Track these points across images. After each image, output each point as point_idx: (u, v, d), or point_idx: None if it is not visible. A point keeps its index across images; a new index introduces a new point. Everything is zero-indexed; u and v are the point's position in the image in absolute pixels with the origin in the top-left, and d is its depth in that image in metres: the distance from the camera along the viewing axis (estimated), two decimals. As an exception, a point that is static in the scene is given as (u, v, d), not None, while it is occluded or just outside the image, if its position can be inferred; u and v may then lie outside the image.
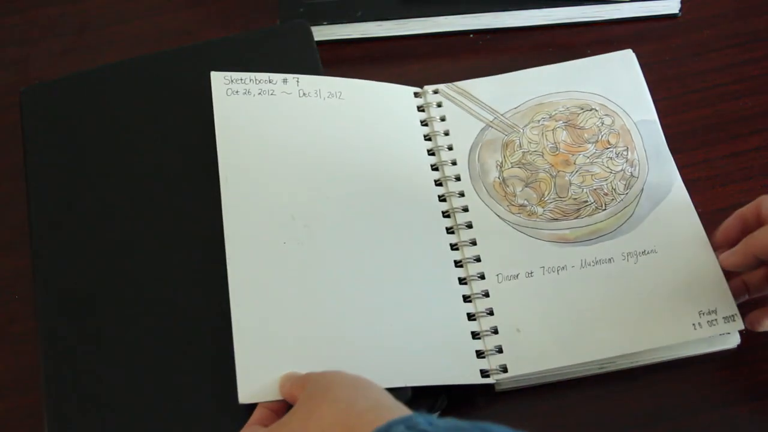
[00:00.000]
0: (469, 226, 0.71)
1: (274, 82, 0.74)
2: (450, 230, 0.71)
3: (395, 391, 0.62)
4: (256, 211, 0.68)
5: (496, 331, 0.67)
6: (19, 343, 0.71)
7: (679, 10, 0.84)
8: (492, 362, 0.66)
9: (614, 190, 0.72)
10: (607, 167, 0.73)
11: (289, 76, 0.74)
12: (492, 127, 0.76)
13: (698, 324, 0.65)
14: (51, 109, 0.76)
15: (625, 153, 0.74)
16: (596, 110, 0.76)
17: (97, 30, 0.88)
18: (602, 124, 0.75)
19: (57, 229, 0.71)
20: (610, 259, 0.69)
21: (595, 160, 0.74)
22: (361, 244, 0.68)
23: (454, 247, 0.71)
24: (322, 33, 0.83)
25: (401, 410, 0.54)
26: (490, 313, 0.67)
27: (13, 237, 0.76)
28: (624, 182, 0.72)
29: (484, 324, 0.67)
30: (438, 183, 0.74)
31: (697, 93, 0.79)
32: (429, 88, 0.78)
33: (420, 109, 0.78)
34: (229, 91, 0.72)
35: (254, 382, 0.61)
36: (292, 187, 0.70)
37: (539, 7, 0.83)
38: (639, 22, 0.82)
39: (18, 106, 0.77)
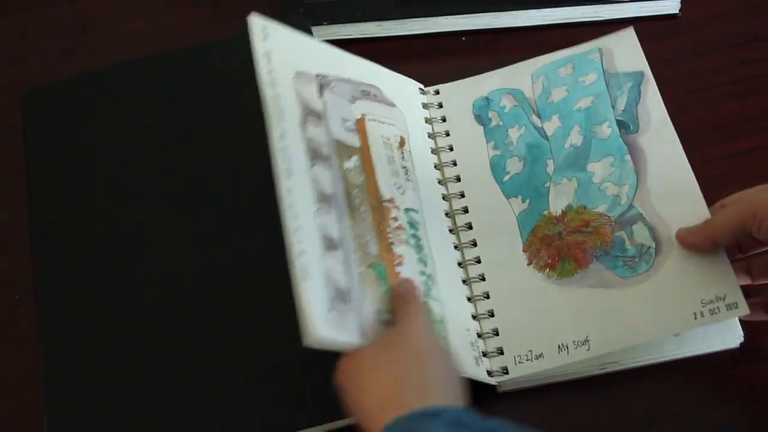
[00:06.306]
0: (470, 227, 0.71)
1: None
2: (452, 231, 0.71)
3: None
4: None
5: (497, 333, 0.67)
6: (19, 343, 0.71)
7: (679, 10, 0.84)
8: (494, 364, 0.66)
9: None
10: None
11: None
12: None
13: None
14: (51, 110, 0.76)
15: None
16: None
17: (97, 30, 0.88)
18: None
19: (57, 229, 0.71)
20: None
21: None
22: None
23: (456, 247, 0.71)
24: (322, 33, 0.83)
25: (448, 398, 0.56)
26: (491, 314, 0.67)
27: (13, 237, 0.76)
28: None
29: (486, 326, 0.67)
30: (440, 182, 0.74)
31: (697, 93, 0.80)
32: (431, 89, 0.78)
33: (424, 106, 0.77)
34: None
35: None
36: None
37: (539, 7, 0.83)
38: (639, 22, 0.82)
39: (18, 106, 0.77)
